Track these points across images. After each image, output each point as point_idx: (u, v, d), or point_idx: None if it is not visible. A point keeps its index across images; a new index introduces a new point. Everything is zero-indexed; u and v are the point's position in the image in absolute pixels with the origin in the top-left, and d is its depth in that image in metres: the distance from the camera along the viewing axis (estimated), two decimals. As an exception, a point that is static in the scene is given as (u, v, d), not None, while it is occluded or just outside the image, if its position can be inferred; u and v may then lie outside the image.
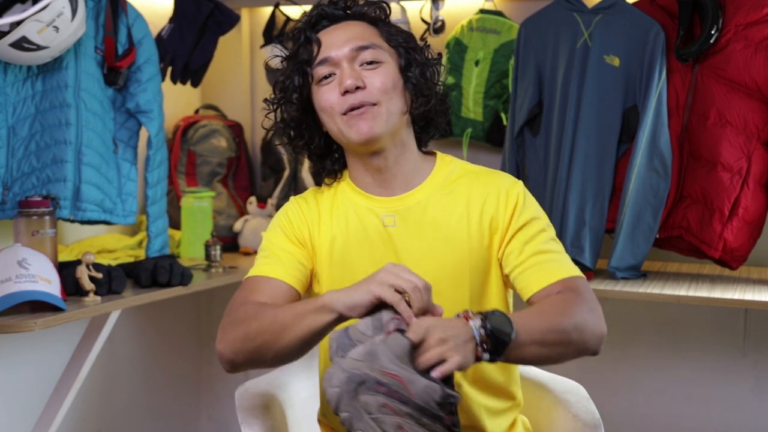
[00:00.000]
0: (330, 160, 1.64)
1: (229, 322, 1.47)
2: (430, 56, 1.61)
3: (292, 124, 1.60)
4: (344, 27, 1.57)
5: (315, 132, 1.61)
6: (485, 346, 1.29)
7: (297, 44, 1.57)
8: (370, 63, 1.53)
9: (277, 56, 1.62)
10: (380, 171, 1.58)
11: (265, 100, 1.63)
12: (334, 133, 1.56)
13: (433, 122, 1.62)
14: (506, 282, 1.59)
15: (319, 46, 1.55)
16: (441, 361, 1.24)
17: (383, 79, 1.52)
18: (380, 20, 1.60)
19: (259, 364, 1.48)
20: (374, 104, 1.51)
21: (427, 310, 1.31)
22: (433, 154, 1.66)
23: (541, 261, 1.51)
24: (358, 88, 1.51)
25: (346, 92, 1.51)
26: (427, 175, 1.61)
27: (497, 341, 1.29)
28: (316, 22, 1.58)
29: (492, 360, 1.31)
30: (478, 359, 1.29)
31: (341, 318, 1.35)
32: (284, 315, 1.40)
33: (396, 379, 1.21)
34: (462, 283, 1.55)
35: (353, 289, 1.34)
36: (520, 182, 1.61)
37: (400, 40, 1.58)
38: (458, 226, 1.56)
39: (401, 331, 1.25)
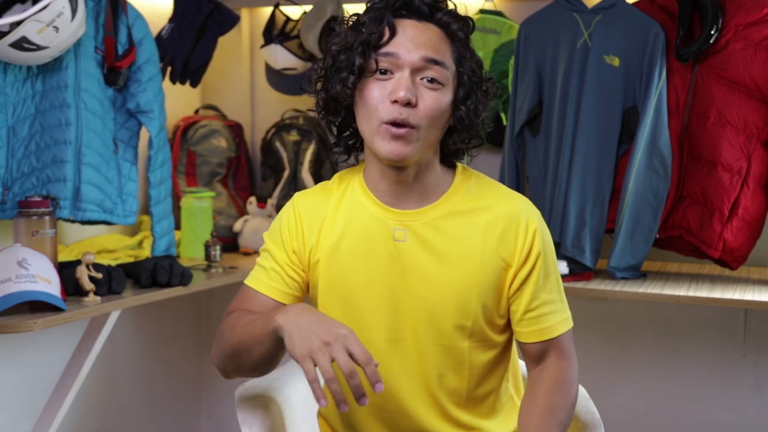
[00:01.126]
0: (349, 142, 1.56)
1: (218, 332, 1.54)
2: (489, 91, 1.51)
3: (331, 99, 1.50)
4: (422, 28, 1.45)
5: (348, 112, 1.51)
6: None
7: (370, 19, 1.45)
8: (431, 81, 1.43)
9: (353, 16, 1.49)
10: (398, 183, 1.50)
11: (314, 62, 1.52)
12: (364, 132, 1.48)
13: (462, 151, 1.57)
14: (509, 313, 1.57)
15: (392, 35, 1.44)
16: None
17: (434, 104, 1.43)
18: (460, 39, 1.48)
19: (243, 374, 1.54)
20: (414, 127, 1.42)
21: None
22: (453, 166, 1.58)
23: (544, 313, 1.54)
24: (408, 104, 1.41)
25: (395, 102, 1.41)
26: (445, 191, 1.53)
27: None
28: (398, 7, 1.45)
29: None
30: None
31: None
32: (249, 333, 1.44)
33: None
34: (467, 310, 1.51)
35: (296, 336, 1.32)
36: (538, 212, 1.56)
37: (468, 68, 1.48)
38: (472, 252, 1.50)
39: None
